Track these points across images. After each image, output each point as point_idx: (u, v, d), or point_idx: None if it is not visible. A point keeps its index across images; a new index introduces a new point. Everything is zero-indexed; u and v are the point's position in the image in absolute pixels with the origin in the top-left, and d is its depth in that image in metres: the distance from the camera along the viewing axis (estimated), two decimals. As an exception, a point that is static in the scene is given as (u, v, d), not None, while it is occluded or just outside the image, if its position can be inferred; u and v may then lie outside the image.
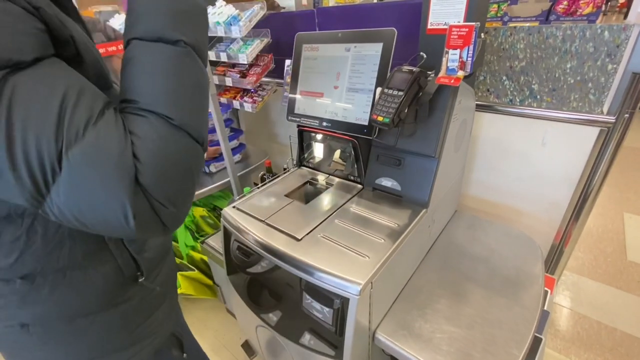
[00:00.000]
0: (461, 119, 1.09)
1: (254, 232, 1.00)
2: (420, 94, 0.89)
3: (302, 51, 1.24)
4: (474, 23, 0.74)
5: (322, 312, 0.86)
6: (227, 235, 1.14)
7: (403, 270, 1.04)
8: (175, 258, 1.86)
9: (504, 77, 1.36)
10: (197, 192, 1.81)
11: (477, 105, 1.35)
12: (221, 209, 2.00)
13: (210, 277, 1.84)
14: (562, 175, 1.37)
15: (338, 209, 1.09)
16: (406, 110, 0.87)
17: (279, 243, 0.94)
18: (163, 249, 0.75)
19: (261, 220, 1.05)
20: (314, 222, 1.01)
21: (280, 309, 1.06)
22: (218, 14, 1.77)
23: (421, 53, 0.93)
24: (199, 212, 1.85)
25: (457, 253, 1.20)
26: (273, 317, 1.07)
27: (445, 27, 1.02)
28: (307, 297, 0.88)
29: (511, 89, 1.36)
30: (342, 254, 0.89)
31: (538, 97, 1.32)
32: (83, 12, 3.51)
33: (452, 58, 0.79)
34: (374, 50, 1.04)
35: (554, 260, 1.56)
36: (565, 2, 4.30)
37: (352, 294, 0.79)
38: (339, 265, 0.84)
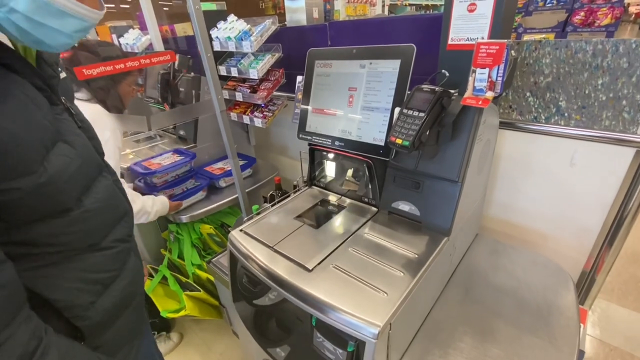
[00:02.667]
0: (485, 139, 1.02)
1: (262, 260, 0.93)
2: (443, 114, 0.82)
3: (315, 67, 1.19)
4: (505, 40, 0.68)
5: (334, 354, 0.78)
6: (233, 261, 1.07)
7: (423, 305, 0.96)
8: (181, 277, 1.81)
9: (528, 93, 1.28)
10: (204, 209, 1.77)
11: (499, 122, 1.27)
12: (229, 226, 1.95)
13: (217, 297, 1.78)
14: (594, 198, 1.27)
15: (352, 234, 1.01)
16: (428, 133, 0.80)
17: (289, 273, 0.87)
18: (115, 312, 0.71)
19: (269, 247, 0.98)
20: (326, 250, 0.94)
21: (289, 344, 0.98)
22: (229, 29, 1.75)
23: (443, 71, 0.87)
24: (206, 229, 1.80)
25: (480, 283, 1.11)
26: (281, 352, 0.99)
27: (467, 42, 0.96)
28: (319, 335, 0.81)
29: (535, 106, 1.28)
30: (357, 288, 0.81)
31: (566, 114, 1.23)
32: (98, 27, 3.59)
33: (479, 77, 0.72)
34: (391, 67, 0.98)
35: (584, 288, 1.44)
36: (582, 13, 4.20)
37: (369, 337, 0.71)
38: (354, 302, 0.77)
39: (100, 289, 0.69)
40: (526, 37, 4.17)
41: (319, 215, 1.15)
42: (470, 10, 0.92)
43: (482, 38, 0.92)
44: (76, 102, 1.20)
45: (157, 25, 2.56)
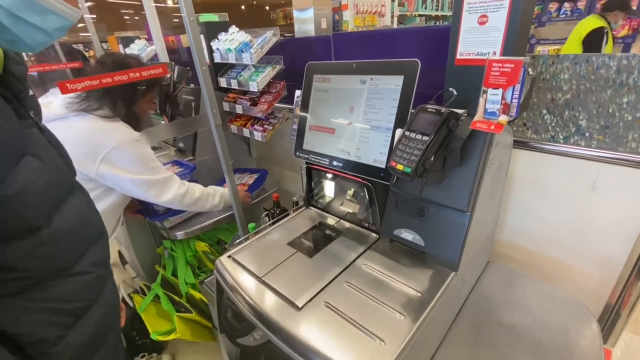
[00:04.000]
0: (497, 162, 0.92)
1: (248, 294, 0.85)
2: (450, 138, 0.74)
3: (313, 82, 1.12)
4: (521, 58, 0.59)
5: (324, 409, 0.68)
6: (219, 290, 0.99)
7: (427, 350, 0.85)
8: (175, 296, 1.73)
9: (544, 111, 1.18)
10: (200, 225, 1.69)
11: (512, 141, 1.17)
12: (226, 243, 1.88)
13: (210, 318, 1.69)
14: (618, 226, 1.15)
15: (349, 265, 0.92)
16: (432, 159, 0.71)
17: (276, 311, 0.79)
18: (87, 349, 0.65)
19: (257, 278, 0.90)
20: (318, 284, 0.85)
21: (276, 387, 0.89)
22: (230, 41, 1.71)
23: (450, 89, 0.78)
24: (201, 247, 1.73)
25: (492, 320, 1.00)
26: (268, 394, 0.89)
27: (478, 57, 0.87)
28: (306, 385, 0.71)
29: (553, 124, 1.18)
30: (351, 333, 0.71)
31: (587, 134, 1.13)
32: (108, 37, 3.62)
33: (492, 99, 0.64)
34: (394, 83, 0.90)
35: (607, 324, 1.31)
36: (598, 24, 4.04)
37: (361, 395, 0.61)
38: (346, 350, 0.67)
39: (70, 322, 0.62)
40: (539, 49, 4.06)
41: (315, 241, 1.06)
42: (481, 23, 0.84)
43: (495, 53, 0.84)
44: (97, 120, 1.16)
45: (163, 36, 2.55)
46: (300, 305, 0.79)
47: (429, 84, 1.03)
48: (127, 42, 2.95)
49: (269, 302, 0.82)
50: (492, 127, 0.63)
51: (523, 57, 0.59)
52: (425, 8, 6.17)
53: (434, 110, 0.73)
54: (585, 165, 1.14)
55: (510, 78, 0.60)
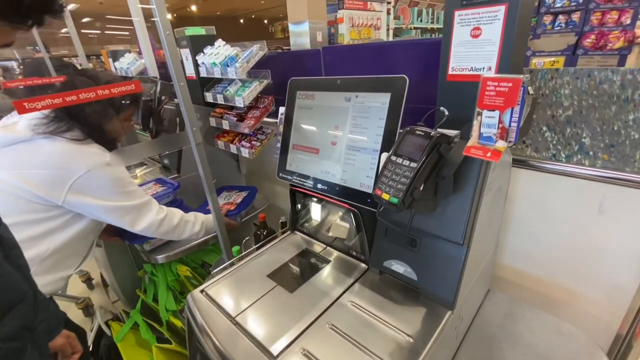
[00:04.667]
0: (496, 187, 0.84)
1: (218, 339, 0.75)
2: (441, 163, 0.65)
3: (296, 98, 1.04)
4: (520, 76, 0.52)
5: None
6: (190, 330, 0.89)
7: (421, 401, 0.75)
8: (155, 324, 1.62)
9: (545, 128, 1.10)
10: (183, 248, 1.59)
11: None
12: (210, 265, 1.78)
13: (193, 348, 1.57)
14: (628, 251, 1.06)
15: (333, 303, 0.83)
16: (421, 188, 0.62)
17: (247, 360, 0.69)
18: None
19: (230, 318, 0.80)
20: (297, 326, 0.76)
21: None
22: (215, 55, 1.65)
23: (441, 108, 0.70)
24: (183, 271, 1.62)
25: (494, 359, 0.90)
26: None
27: (471, 73, 0.80)
28: None
29: (554, 142, 1.10)
30: (331, 390, 0.62)
31: (591, 153, 1.05)
32: (101, 51, 3.58)
33: (487, 122, 0.56)
34: (380, 101, 0.82)
35: (618, 357, 1.20)
36: (592, 37, 4.04)
37: None
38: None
39: None
40: (535, 61, 4.04)
41: (298, 272, 0.96)
42: (474, 36, 0.77)
43: (490, 69, 0.76)
44: (67, 143, 1.05)
45: (155, 49, 2.50)
46: (275, 354, 0.69)
47: (421, 99, 0.96)
48: (117, 55, 2.90)
49: (240, 349, 0.72)
50: (489, 155, 0.55)
51: (522, 75, 0.51)
52: (421, 21, 6.21)
53: (423, 133, 0.65)
54: (591, 186, 1.06)
55: (508, 99, 0.53)
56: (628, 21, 3.43)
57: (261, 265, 1.00)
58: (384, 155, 0.71)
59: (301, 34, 2.37)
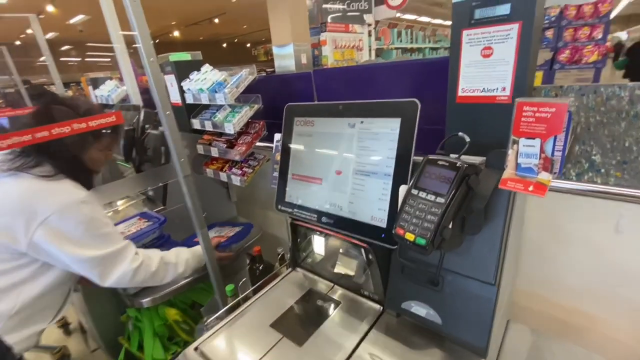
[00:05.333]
0: (519, 214, 0.77)
1: (218, 414, 0.63)
2: (470, 196, 0.58)
3: (294, 125, 0.97)
4: (565, 101, 0.46)
5: None
6: (183, 399, 0.76)
7: None
8: (139, 377, 1.45)
9: (552, 146, 1.06)
10: (170, 289, 1.45)
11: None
12: (202, 306, 1.63)
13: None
14: (651, 272, 1.01)
15: (350, 356, 0.72)
16: (451, 225, 0.55)
17: None
18: None
19: (232, 384, 0.68)
20: (312, 390, 0.65)
21: None
22: (202, 80, 1.57)
23: (460, 134, 0.64)
24: (171, 314, 1.47)
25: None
26: None
27: (484, 94, 0.75)
28: None
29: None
30: None
31: (602, 170, 1.01)
32: (81, 79, 3.47)
33: (526, 152, 0.50)
34: (389, 127, 0.76)
35: (647, 384, 1.13)
36: (567, 52, 4.22)
37: None
38: None
39: None
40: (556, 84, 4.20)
41: (305, 319, 0.86)
42: (486, 56, 0.72)
43: (504, 89, 0.72)
44: (35, 180, 0.93)
45: (138, 75, 2.42)
46: None
47: (424, 121, 0.90)
48: (97, 83, 2.80)
49: None
50: (531, 188, 0.48)
51: (567, 99, 0.46)
52: (401, 41, 6.41)
53: (447, 163, 0.58)
54: (605, 205, 1.01)
55: (551, 126, 0.47)
56: (600, 36, 3.60)
57: (262, 311, 0.89)
58: (402, 188, 0.64)
59: (285, 57, 2.35)
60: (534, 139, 0.49)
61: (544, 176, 0.49)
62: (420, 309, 0.76)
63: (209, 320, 0.96)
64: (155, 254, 1.17)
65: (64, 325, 2.24)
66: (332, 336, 0.78)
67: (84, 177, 1.09)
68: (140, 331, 1.51)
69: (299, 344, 0.77)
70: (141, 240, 1.48)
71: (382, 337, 0.77)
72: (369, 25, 5.33)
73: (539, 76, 4.28)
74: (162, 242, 1.57)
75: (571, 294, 1.15)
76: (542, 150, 0.48)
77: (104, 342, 1.69)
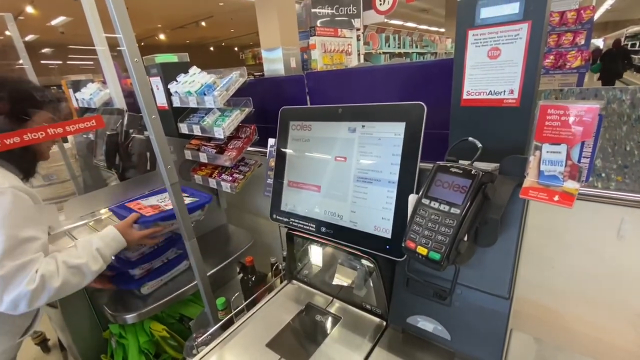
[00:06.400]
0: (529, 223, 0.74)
1: None
2: (485, 206, 0.54)
3: (290, 130, 0.92)
4: (596, 104, 0.42)
5: None
6: None
7: None
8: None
9: (551, 150, 1.04)
10: (158, 303, 1.37)
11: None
12: (190, 319, 1.55)
13: None
14: (653, 277, 0.99)
15: (354, 378, 0.67)
16: (466, 238, 0.51)
17: None
18: None
19: (226, 414, 0.62)
20: (315, 419, 0.59)
21: None
22: (190, 83, 1.51)
23: (470, 139, 0.60)
24: (158, 330, 1.39)
25: None
26: None
27: (490, 97, 0.72)
28: None
29: (563, 165, 1.04)
30: None
31: (603, 175, 1.00)
32: (62, 81, 3.33)
33: (550, 158, 0.46)
34: (393, 132, 0.72)
35: (649, 390, 1.11)
36: (551, 57, 4.33)
37: None
38: None
39: None
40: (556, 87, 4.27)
41: (303, 338, 0.80)
42: (492, 57, 0.69)
43: (512, 92, 0.68)
44: None
45: (121, 78, 2.32)
46: None
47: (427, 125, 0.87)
48: (78, 86, 2.69)
49: None
50: (557, 198, 0.44)
51: (599, 102, 0.42)
52: (389, 46, 6.47)
53: (460, 171, 0.54)
54: (607, 209, 0.99)
55: (581, 130, 0.43)
56: (582, 41, 3.69)
57: (257, 329, 0.83)
58: (412, 197, 0.59)
59: (275, 60, 2.30)
60: (559, 144, 0.45)
61: (571, 185, 0.45)
62: (426, 324, 0.72)
63: (199, 340, 0.89)
64: (57, 262, 0.96)
65: (43, 341, 2.10)
66: (333, 356, 0.73)
67: (23, 163, 0.94)
68: (125, 348, 1.41)
69: (299, 365, 0.71)
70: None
71: (388, 356, 0.72)
72: (358, 29, 5.35)
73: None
74: (174, 242, 1.48)
75: (572, 301, 1.13)
76: (568, 157, 0.45)
77: (85, 360, 1.58)
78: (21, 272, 0.86)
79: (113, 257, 1.10)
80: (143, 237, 1.18)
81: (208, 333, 0.92)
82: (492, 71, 0.71)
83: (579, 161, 0.44)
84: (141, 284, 1.36)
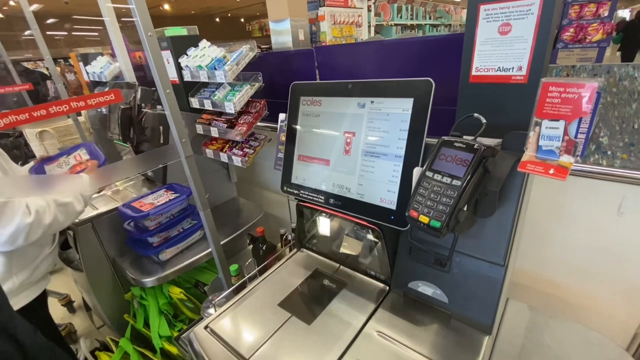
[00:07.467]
0: (527, 197, 0.77)
1: (232, 389, 0.65)
2: (486, 179, 0.58)
3: (300, 105, 0.95)
4: (594, 82, 0.44)
5: None
6: (196, 374, 0.78)
7: None
8: (148, 352, 1.48)
9: (559, 127, 1.05)
10: (173, 269, 1.47)
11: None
12: (205, 285, 1.65)
13: (191, 375, 1.45)
14: (649, 252, 1.03)
15: (358, 334, 0.74)
16: (465, 208, 0.55)
17: (270, 416, 0.59)
18: None
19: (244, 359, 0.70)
20: (323, 366, 0.66)
21: None
22: (200, 57, 1.52)
23: (476, 115, 0.63)
24: (175, 293, 1.49)
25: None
26: None
27: (499, 73, 0.73)
28: None
29: (569, 142, 1.05)
30: None
31: (609, 152, 1.01)
32: (70, 54, 3.33)
33: (548, 134, 0.49)
34: (401, 107, 0.74)
35: (636, 355, 1.18)
36: (571, 30, 4.13)
37: None
38: None
39: None
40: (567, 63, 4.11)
41: (312, 299, 0.87)
42: (503, 33, 0.70)
43: (520, 69, 0.70)
44: None
45: (130, 51, 2.32)
46: (302, 404, 0.60)
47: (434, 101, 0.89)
48: (87, 59, 2.70)
49: (260, 400, 0.62)
50: (552, 172, 0.48)
51: (597, 80, 0.44)
52: (401, 17, 6.22)
53: (463, 145, 0.57)
54: (609, 186, 1.02)
55: (577, 107, 0.46)
56: (606, 13, 3.51)
57: (269, 291, 0.90)
58: (417, 170, 0.63)
59: (282, 32, 2.26)
60: (558, 120, 0.48)
61: (567, 159, 0.48)
62: (426, 289, 0.78)
63: (216, 299, 0.97)
64: (47, 200, 1.02)
65: (68, 303, 2.26)
66: (339, 315, 0.80)
67: None
68: (146, 309, 1.53)
69: (307, 322, 0.78)
70: (169, 211, 1.48)
71: (389, 316, 0.78)
72: (369, 0, 5.14)
73: (541, 55, 4.21)
74: (189, 213, 1.58)
75: (568, 274, 1.18)
76: (565, 133, 0.47)
77: (110, 319, 1.72)
78: (9, 206, 0.91)
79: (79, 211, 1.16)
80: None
81: (223, 295, 1.00)
82: (501, 47, 0.71)
83: (575, 137, 0.47)
84: (159, 251, 1.46)
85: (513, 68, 0.71)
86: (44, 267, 1.18)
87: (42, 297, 1.22)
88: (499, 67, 0.72)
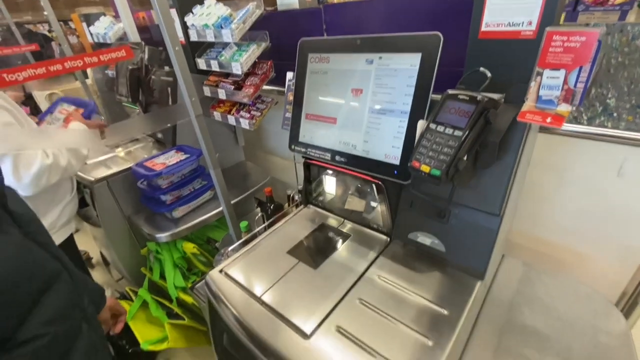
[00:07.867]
0: (529, 153, 0.80)
1: (246, 320, 0.72)
2: (487, 131, 0.60)
3: (308, 62, 0.95)
4: (596, 29, 0.45)
5: None
6: (212, 312, 0.87)
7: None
8: (165, 301, 1.61)
9: (567, 89, 1.05)
10: (186, 226, 1.55)
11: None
12: (216, 241, 1.75)
13: (205, 321, 1.58)
14: (645, 213, 1.06)
15: (360, 278, 0.80)
16: (465, 158, 0.58)
17: (280, 340, 0.67)
18: None
19: (256, 298, 0.77)
20: (327, 303, 0.74)
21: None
22: (206, 15, 1.49)
23: (481, 69, 0.64)
24: (189, 248, 1.59)
25: (515, 324, 0.91)
26: None
27: (509, 29, 0.73)
28: None
29: (576, 104, 1.05)
30: (372, 367, 0.61)
31: (615, 114, 1.02)
32: (72, 15, 3.26)
33: (549, 83, 0.50)
34: (409, 63, 0.75)
35: (624, 311, 1.26)
36: (594, -9, 3.88)
37: None
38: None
39: None
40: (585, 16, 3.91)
41: (317, 248, 0.94)
42: (515, -15, 0.69)
43: (530, 23, 0.69)
44: None
45: (132, 12, 2.27)
46: (308, 332, 0.67)
47: (444, 60, 0.89)
48: (91, 20, 2.65)
49: (271, 329, 0.70)
50: (549, 120, 0.50)
51: (599, 28, 0.45)
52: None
53: (467, 98, 0.59)
54: (611, 148, 1.03)
55: (578, 56, 0.47)
56: (634, -26, 3.29)
57: (279, 241, 0.96)
58: (421, 122, 0.66)
59: (288, -9, 2.17)
60: (558, 70, 0.49)
61: (564, 107, 0.50)
62: (425, 239, 0.83)
63: (228, 250, 1.04)
64: (57, 145, 1.11)
65: (87, 259, 2.41)
66: (343, 261, 0.86)
67: None
68: (161, 263, 1.64)
69: (314, 267, 0.85)
70: (180, 171, 1.56)
71: (389, 263, 0.85)
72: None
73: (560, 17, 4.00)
74: (199, 174, 1.64)
75: (565, 234, 1.22)
76: (565, 82, 0.49)
77: (128, 272, 1.84)
78: (29, 152, 1.00)
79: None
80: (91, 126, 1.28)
81: (234, 246, 1.07)
82: (512, 1, 0.70)
83: (574, 86, 0.49)
84: (172, 208, 1.53)
85: (523, 23, 0.70)
86: (68, 212, 1.31)
87: (70, 240, 1.35)
88: (509, 22, 0.72)
